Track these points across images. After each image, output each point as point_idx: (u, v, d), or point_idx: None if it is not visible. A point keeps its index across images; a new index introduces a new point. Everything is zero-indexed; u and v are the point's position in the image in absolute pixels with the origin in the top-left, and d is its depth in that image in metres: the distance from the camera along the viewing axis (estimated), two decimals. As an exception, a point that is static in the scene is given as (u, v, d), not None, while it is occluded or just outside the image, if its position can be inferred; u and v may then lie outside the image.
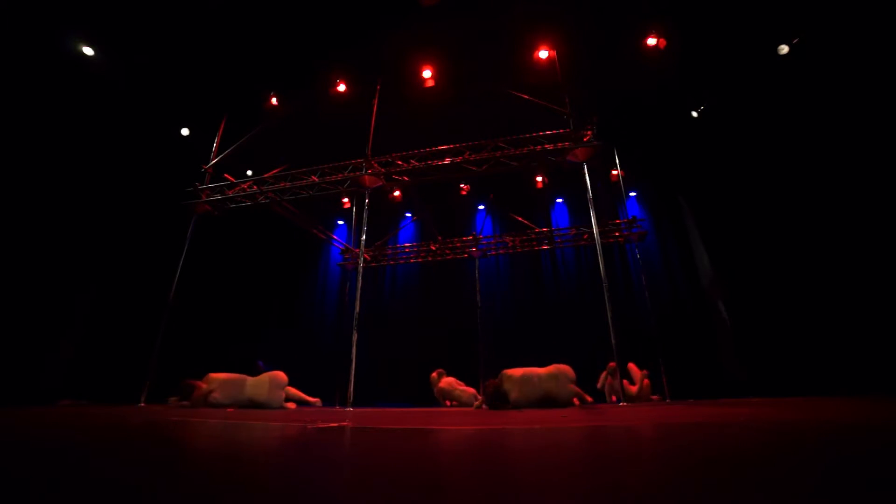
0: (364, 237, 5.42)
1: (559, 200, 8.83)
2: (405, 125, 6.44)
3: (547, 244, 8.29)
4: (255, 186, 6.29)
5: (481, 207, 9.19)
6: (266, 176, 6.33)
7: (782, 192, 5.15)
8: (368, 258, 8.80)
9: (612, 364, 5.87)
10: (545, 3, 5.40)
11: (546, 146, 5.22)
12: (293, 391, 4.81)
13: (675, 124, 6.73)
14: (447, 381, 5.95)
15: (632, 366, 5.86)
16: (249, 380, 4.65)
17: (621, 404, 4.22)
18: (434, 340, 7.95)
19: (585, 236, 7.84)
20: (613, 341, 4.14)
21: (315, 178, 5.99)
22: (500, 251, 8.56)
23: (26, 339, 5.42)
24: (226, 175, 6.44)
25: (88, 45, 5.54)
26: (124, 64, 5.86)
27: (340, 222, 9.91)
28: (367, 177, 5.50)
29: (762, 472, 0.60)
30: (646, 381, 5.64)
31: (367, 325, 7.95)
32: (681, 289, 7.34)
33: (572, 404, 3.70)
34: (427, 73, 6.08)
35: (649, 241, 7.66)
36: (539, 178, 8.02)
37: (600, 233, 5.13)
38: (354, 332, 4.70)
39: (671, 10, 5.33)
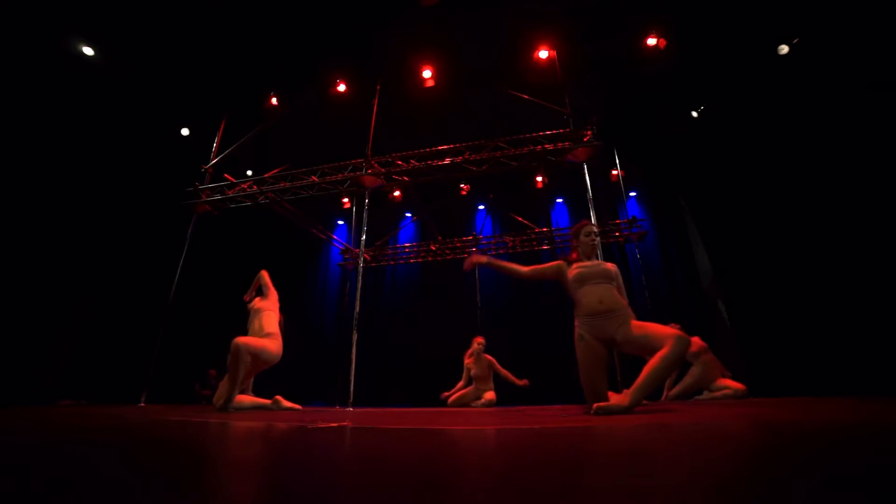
0: (364, 237, 5.43)
1: (559, 200, 8.83)
2: (405, 125, 6.45)
3: (547, 244, 8.29)
4: (255, 186, 6.29)
5: (481, 207, 9.19)
6: (266, 176, 6.34)
7: (783, 192, 5.15)
8: (368, 258, 8.80)
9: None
10: (545, 2, 5.40)
11: (546, 146, 5.22)
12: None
13: (674, 124, 6.74)
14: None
15: (696, 339, 4.87)
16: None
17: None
18: (434, 340, 7.95)
19: (585, 236, 7.82)
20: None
21: (315, 178, 6.00)
22: (500, 251, 8.57)
23: (26, 339, 5.42)
24: (226, 175, 6.44)
25: (88, 45, 5.54)
26: (124, 64, 5.86)
27: (340, 222, 9.91)
28: (367, 177, 5.51)
29: (763, 472, 0.60)
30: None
31: (368, 325, 7.97)
32: (681, 289, 7.34)
33: None
34: (427, 73, 6.08)
35: (649, 241, 7.66)
36: (539, 178, 8.02)
37: (600, 233, 5.13)
38: (354, 332, 4.70)
39: (671, 10, 5.33)
